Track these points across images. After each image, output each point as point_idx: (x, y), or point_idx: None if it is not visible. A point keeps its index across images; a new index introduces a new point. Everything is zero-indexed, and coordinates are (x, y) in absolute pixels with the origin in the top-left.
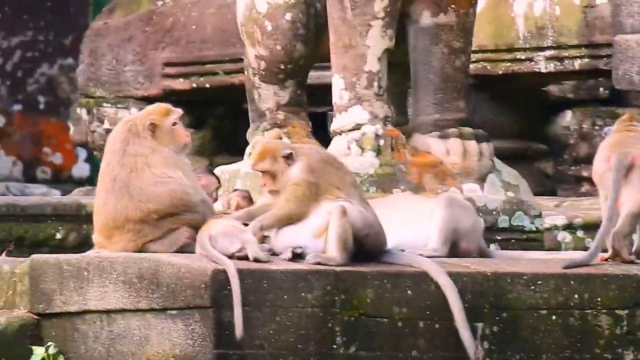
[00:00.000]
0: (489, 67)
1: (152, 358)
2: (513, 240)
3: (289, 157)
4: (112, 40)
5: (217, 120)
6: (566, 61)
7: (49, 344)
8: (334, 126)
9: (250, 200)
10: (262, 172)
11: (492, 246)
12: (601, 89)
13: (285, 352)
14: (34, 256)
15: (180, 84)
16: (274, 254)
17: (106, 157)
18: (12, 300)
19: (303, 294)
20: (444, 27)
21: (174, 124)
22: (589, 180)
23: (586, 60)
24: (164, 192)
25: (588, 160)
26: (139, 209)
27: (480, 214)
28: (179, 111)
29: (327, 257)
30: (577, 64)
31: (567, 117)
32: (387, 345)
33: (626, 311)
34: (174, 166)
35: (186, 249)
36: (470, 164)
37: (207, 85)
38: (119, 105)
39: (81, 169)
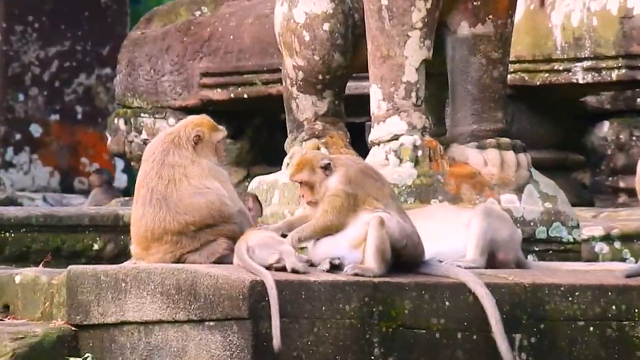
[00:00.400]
0: (526, 78)
1: None
2: (550, 252)
3: (326, 168)
4: (150, 50)
5: (255, 131)
6: (604, 72)
7: (87, 355)
8: (371, 137)
9: (259, 203)
10: (300, 183)
11: (530, 257)
12: (639, 99)
13: None
14: (72, 267)
15: (218, 94)
16: (311, 265)
17: (144, 167)
18: (49, 312)
19: (341, 305)
20: (482, 38)
21: (218, 142)
22: (627, 191)
23: (623, 71)
24: (201, 204)
25: (625, 171)
26: (177, 220)
27: (518, 225)
28: (225, 132)
29: (365, 268)
30: (614, 75)
31: (605, 128)
32: (424, 356)
33: None
34: (212, 177)
35: (224, 260)
36: (508, 174)
37: (245, 96)
38: (156, 116)
39: (119, 180)
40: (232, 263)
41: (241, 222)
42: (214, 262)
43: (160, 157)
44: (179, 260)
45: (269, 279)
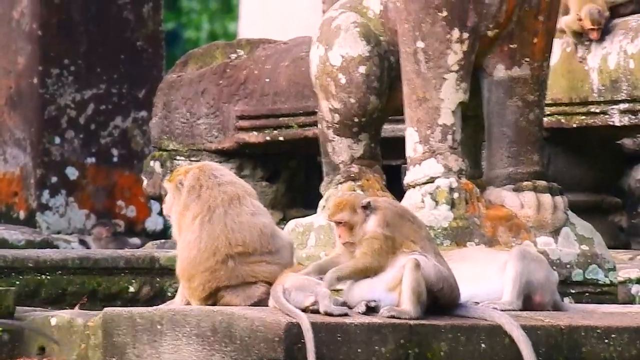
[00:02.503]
0: (563, 120)
1: None
2: (587, 294)
3: (367, 207)
4: (186, 93)
5: (291, 173)
6: None
7: None
8: (407, 179)
9: None
10: (338, 223)
11: (566, 300)
12: None
13: None
14: (107, 309)
15: (254, 137)
16: (347, 307)
17: (201, 191)
18: (85, 354)
19: (377, 347)
20: (518, 80)
21: None
22: None
23: None
24: (257, 224)
25: None
26: (228, 238)
27: (554, 267)
28: None
29: (401, 310)
30: None
31: None
32: None
33: None
34: None
35: (260, 304)
36: (545, 217)
37: (281, 138)
38: (192, 158)
39: (154, 222)
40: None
41: (285, 259)
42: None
43: (215, 180)
44: (214, 296)
45: (305, 321)
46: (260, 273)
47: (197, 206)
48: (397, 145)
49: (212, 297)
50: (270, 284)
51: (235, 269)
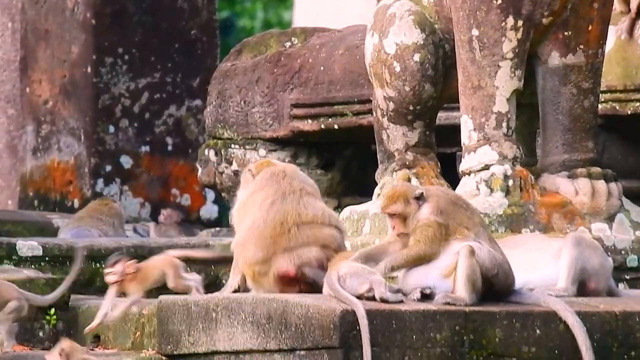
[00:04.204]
0: (617, 108)
1: None
2: None
3: (420, 198)
4: (240, 82)
5: (346, 162)
6: None
7: None
8: (462, 167)
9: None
10: (391, 215)
11: (621, 286)
12: None
13: None
14: (162, 297)
15: (308, 125)
16: (402, 294)
17: (282, 180)
18: (140, 341)
19: (432, 334)
20: (572, 68)
21: None
22: None
23: None
24: (327, 210)
25: None
26: (299, 213)
27: (609, 254)
28: None
29: (456, 297)
30: None
31: None
32: None
33: None
34: None
35: (306, 271)
36: (599, 203)
37: (336, 127)
38: (247, 147)
39: (209, 211)
40: (316, 279)
41: (338, 238)
42: (299, 267)
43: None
44: (267, 262)
45: (360, 308)
46: (319, 237)
47: (272, 190)
48: (452, 133)
49: (266, 264)
50: (323, 251)
51: (296, 234)
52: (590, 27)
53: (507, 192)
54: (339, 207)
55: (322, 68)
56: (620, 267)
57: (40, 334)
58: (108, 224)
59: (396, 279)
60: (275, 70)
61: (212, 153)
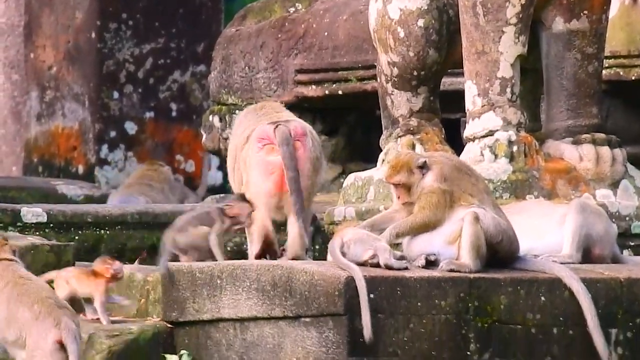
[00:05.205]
0: (621, 73)
1: None
2: None
3: (423, 167)
4: (244, 47)
5: (350, 127)
6: None
7: (182, 352)
8: (467, 132)
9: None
10: (396, 185)
11: (625, 252)
12: None
13: None
14: (168, 264)
15: (312, 91)
16: (407, 261)
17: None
18: (145, 309)
19: (437, 301)
20: (576, 33)
21: None
22: None
23: None
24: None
25: None
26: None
27: (613, 220)
28: None
29: (461, 264)
30: None
31: None
32: (520, 352)
33: None
34: None
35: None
36: (603, 169)
37: (340, 92)
38: None
39: (213, 177)
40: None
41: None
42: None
43: None
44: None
45: (358, 274)
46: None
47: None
48: (457, 98)
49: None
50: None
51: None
52: None
53: (511, 158)
54: (343, 173)
55: (326, 33)
56: (624, 233)
57: None
58: (157, 190)
59: (400, 246)
60: (280, 36)
61: (216, 119)
